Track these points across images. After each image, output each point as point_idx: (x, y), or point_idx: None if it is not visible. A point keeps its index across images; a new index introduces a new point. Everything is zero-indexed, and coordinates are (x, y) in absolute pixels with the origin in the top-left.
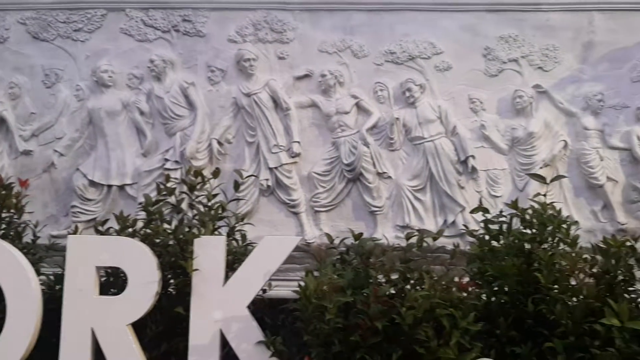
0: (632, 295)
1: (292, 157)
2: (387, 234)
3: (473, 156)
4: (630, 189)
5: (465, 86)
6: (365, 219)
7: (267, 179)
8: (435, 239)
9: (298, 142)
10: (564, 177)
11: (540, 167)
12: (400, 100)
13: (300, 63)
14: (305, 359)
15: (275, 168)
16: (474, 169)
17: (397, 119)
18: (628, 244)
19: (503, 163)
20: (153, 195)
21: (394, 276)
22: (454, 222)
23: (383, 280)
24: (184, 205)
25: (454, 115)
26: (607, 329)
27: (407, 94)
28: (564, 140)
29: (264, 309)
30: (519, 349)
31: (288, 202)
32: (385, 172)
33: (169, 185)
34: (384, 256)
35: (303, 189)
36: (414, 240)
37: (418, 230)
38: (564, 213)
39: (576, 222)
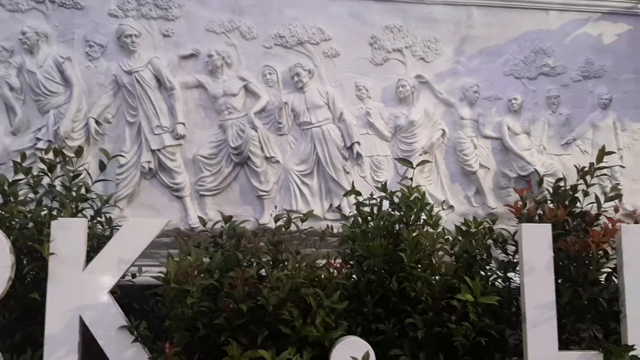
0: (488, 273)
1: (176, 139)
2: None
3: (358, 142)
4: (500, 175)
5: (352, 74)
6: (253, 203)
7: (149, 161)
8: (303, 220)
9: (183, 123)
10: (428, 162)
11: (420, 154)
12: (289, 85)
13: (187, 42)
14: (167, 345)
15: (158, 150)
16: (359, 155)
17: (286, 103)
18: (487, 225)
19: (386, 149)
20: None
21: (266, 259)
22: (339, 206)
23: (254, 262)
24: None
25: (341, 101)
26: (462, 305)
27: (296, 78)
28: (442, 129)
29: (133, 294)
30: (383, 326)
31: (171, 185)
32: (273, 157)
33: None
34: (255, 238)
35: (188, 172)
36: (284, 223)
37: (288, 212)
38: (440, 198)
39: (451, 207)
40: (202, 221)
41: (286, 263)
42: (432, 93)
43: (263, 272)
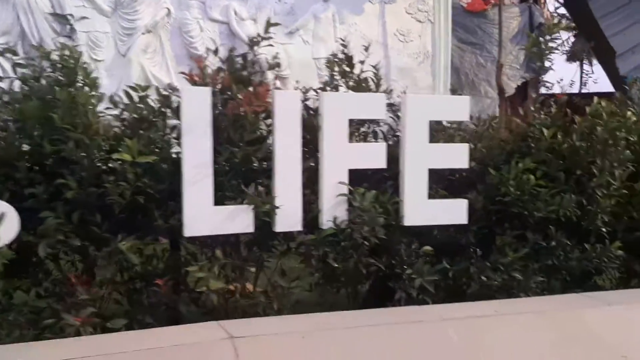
0: (151, 135)
1: None
2: None
3: (72, 15)
4: None
5: None
6: None
7: None
8: None
9: None
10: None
11: (143, 33)
12: None
13: None
14: None
15: None
16: (72, 30)
17: None
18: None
19: (105, 26)
20: None
21: None
22: None
23: None
24: None
25: None
26: (122, 165)
27: None
28: (167, 8)
29: None
30: (34, 190)
31: None
32: None
33: None
34: None
35: None
36: None
37: None
38: (165, 80)
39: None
40: None
41: None
42: None
43: None
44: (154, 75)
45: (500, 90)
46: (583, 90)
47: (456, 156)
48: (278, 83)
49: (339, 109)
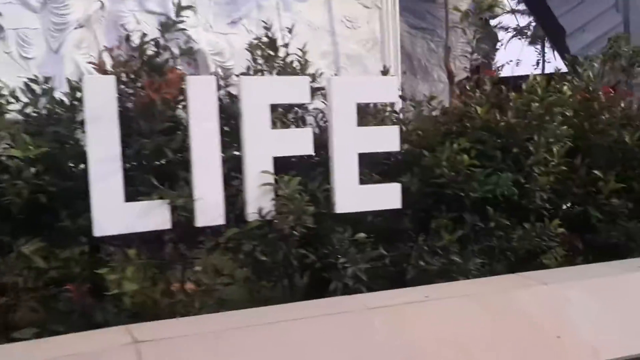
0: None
1: None
2: None
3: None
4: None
5: None
6: None
7: None
8: None
9: None
10: None
11: (75, 28)
12: None
13: None
14: None
15: None
16: (0, 27)
17: None
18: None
19: (35, 22)
20: None
21: None
22: None
23: None
24: None
25: None
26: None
27: None
28: (100, 1)
29: None
30: None
31: None
32: None
33: None
34: None
35: None
36: None
37: None
38: None
39: None
40: None
41: None
42: None
43: None
44: (89, 72)
45: (450, 74)
46: (546, 72)
47: (386, 139)
48: (221, 73)
49: (259, 93)
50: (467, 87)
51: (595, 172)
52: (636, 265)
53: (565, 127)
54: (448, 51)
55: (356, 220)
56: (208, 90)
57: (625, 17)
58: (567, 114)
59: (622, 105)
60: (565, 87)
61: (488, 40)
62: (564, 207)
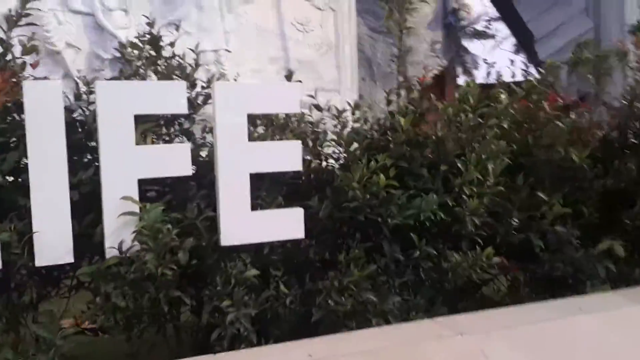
0: None
1: None
2: None
3: None
4: (93, 57)
5: None
6: None
7: None
8: None
9: None
10: None
11: None
12: None
13: None
14: None
15: None
16: None
17: None
18: None
19: None
20: None
21: None
22: None
23: None
24: None
25: None
26: None
27: None
28: None
29: None
30: None
31: None
32: None
33: None
34: None
35: None
36: None
37: None
38: None
39: None
40: None
41: None
42: None
43: None
44: None
45: (405, 81)
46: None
47: (285, 156)
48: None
49: (119, 102)
50: (395, 94)
51: (539, 194)
52: (577, 307)
53: (503, 141)
54: (403, 55)
55: (250, 253)
56: (52, 98)
57: (596, 22)
58: (504, 125)
59: (572, 116)
60: (502, 96)
61: (453, 45)
62: (504, 233)
